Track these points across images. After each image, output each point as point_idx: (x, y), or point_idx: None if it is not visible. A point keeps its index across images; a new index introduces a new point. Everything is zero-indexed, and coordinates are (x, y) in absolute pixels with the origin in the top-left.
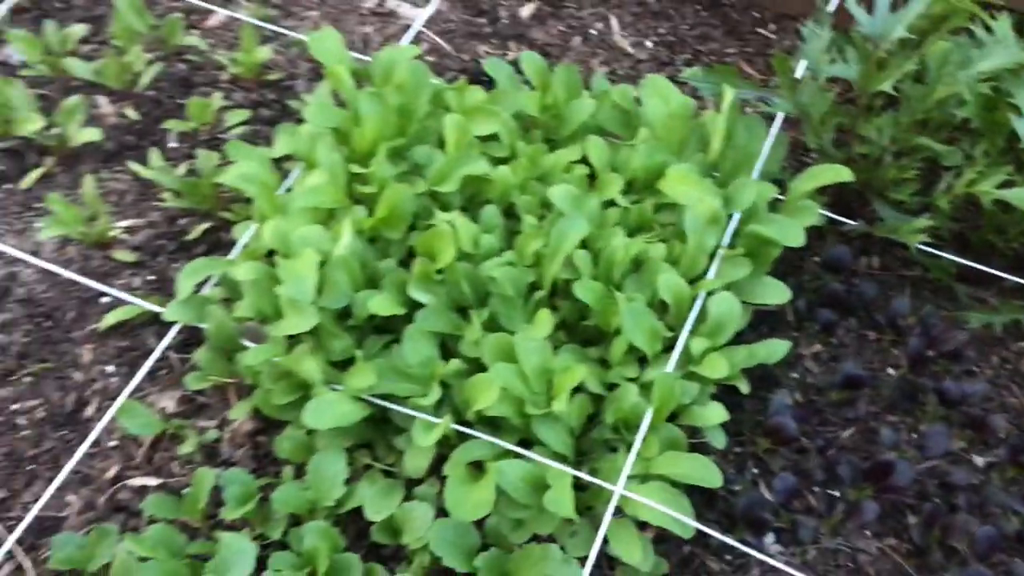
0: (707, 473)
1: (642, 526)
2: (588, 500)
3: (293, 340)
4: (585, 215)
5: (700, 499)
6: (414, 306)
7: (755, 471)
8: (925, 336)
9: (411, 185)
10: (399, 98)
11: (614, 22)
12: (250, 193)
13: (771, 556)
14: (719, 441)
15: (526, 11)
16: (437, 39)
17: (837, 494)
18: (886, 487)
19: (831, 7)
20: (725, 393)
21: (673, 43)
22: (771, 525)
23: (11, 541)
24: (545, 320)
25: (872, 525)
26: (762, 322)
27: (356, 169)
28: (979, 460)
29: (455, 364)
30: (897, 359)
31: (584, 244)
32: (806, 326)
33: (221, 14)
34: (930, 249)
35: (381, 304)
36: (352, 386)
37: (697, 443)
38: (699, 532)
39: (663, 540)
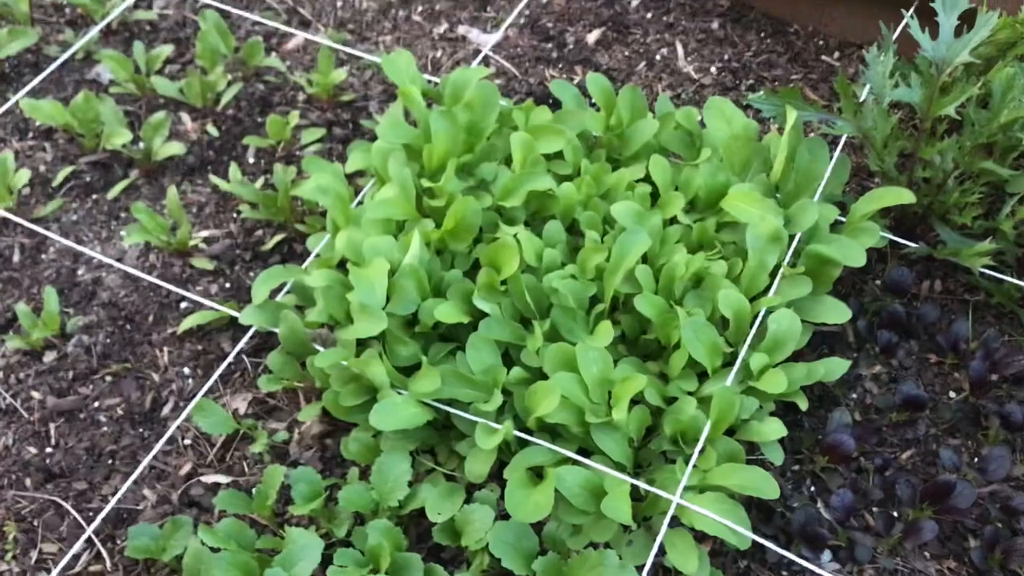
0: (764, 484)
1: (699, 539)
2: (645, 510)
3: (361, 346)
4: (647, 231)
5: (757, 514)
6: (478, 316)
7: (812, 488)
8: (987, 359)
9: (478, 199)
10: (468, 116)
11: (679, 48)
12: (325, 205)
13: (828, 573)
14: (777, 457)
15: (592, 37)
16: (505, 63)
17: (895, 514)
18: (945, 508)
19: (894, 34)
20: (784, 411)
21: (737, 69)
22: (828, 542)
23: (90, 530)
24: (606, 331)
25: (931, 546)
26: (822, 342)
27: (426, 184)
28: None
29: (517, 372)
30: (958, 383)
31: (645, 260)
32: (866, 347)
33: (300, 38)
34: (993, 273)
35: (447, 312)
36: (417, 390)
37: (755, 459)
38: (755, 547)
39: (719, 554)
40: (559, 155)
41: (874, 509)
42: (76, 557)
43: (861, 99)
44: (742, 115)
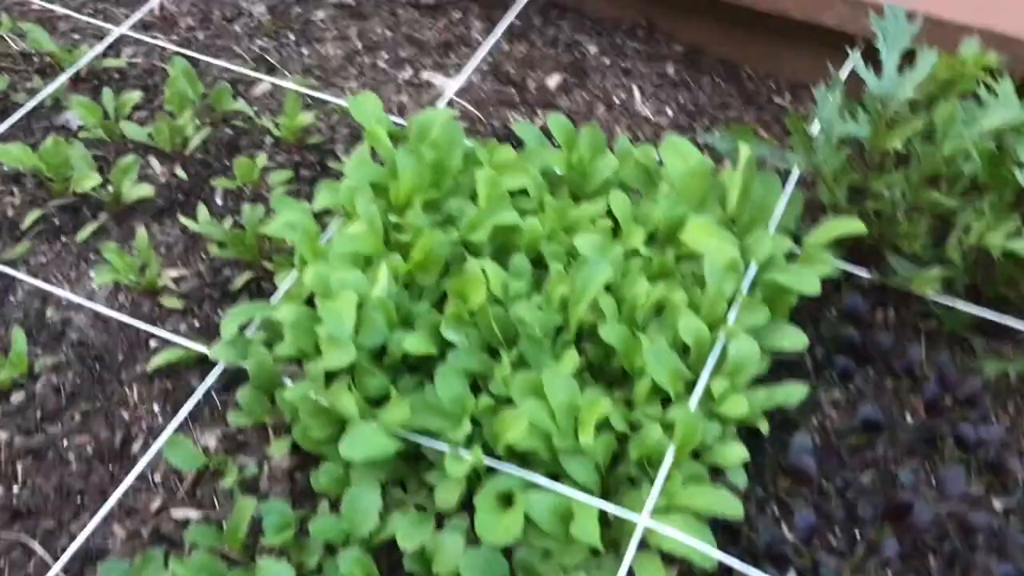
0: (728, 505)
1: (667, 562)
2: (613, 535)
3: (330, 379)
4: (609, 261)
5: (723, 537)
6: (446, 347)
7: (777, 511)
8: (941, 383)
9: (445, 234)
10: (434, 154)
11: (636, 92)
12: (293, 240)
13: None
14: (741, 480)
15: (552, 82)
16: (469, 107)
17: (858, 533)
18: (905, 526)
19: (843, 74)
20: (746, 437)
21: (692, 111)
22: (793, 562)
23: (57, 568)
24: (572, 359)
25: (893, 565)
26: (781, 371)
27: (393, 219)
28: (997, 504)
29: (485, 400)
30: (914, 406)
31: (608, 290)
32: (825, 374)
33: (266, 83)
34: (944, 301)
35: (415, 343)
36: (387, 420)
37: (720, 483)
38: (722, 570)
39: None
40: (523, 192)
41: (837, 530)
42: None
43: (812, 136)
44: (698, 152)
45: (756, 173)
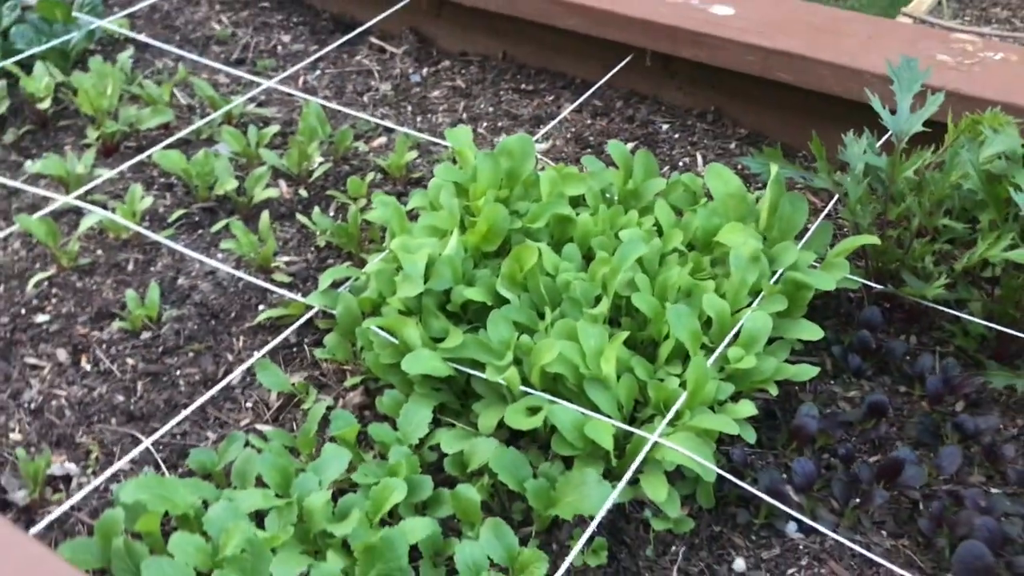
0: (731, 425)
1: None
2: (626, 462)
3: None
4: (647, 247)
5: (727, 483)
6: (500, 304)
7: (778, 467)
8: (946, 382)
9: (511, 223)
10: (508, 162)
11: (699, 158)
12: (385, 218)
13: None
14: (749, 436)
15: (627, 147)
16: (551, 162)
17: (855, 491)
18: (898, 484)
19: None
20: (762, 419)
21: (749, 175)
22: (792, 502)
23: (149, 443)
24: (604, 306)
25: (888, 526)
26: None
27: (468, 204)
28: (993, 489)
29: (527, 340)
30: (925, 411)
31: (646, 274)
32: (842, 377)
33: (383, 138)
34: (956, 318)
35: (475, 292)
36: (443, 346)
37: (731, 440)
38: (727, 514)
39: (692, 518)
40: (581, 201)
41: (835, 490)
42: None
43: (834, 160)
44: (738, 179)
45: (785, 192)
